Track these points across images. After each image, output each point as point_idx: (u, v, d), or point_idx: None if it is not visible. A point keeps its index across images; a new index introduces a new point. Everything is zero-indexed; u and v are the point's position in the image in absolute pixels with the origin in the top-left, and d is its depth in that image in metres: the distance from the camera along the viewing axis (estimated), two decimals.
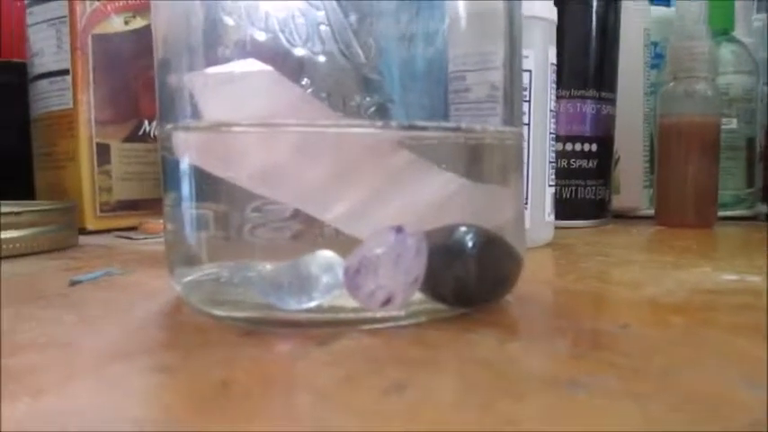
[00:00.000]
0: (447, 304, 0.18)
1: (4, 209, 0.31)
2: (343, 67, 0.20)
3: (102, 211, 0.41)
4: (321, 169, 0.19)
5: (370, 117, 0.20)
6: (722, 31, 0.49)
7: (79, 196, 0.40)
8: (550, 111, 0.32)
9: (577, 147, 0.42)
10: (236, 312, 0.18)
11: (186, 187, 0.18)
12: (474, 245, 0.18)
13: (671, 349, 0.15)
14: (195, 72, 0.19)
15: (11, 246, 0.30)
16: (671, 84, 0.43)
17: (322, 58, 0.20)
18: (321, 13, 0.20)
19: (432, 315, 0.18)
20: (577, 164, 0.42)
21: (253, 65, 0.19)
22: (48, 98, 0.40)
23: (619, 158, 0.48)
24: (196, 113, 0.19)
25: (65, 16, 0.39)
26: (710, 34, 0.42)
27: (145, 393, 0.13)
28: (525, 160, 0.25)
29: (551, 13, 0.32)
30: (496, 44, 0.22)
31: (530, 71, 0.31)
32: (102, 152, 0.40)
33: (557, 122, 0.42)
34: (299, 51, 0.20)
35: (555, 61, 0.33)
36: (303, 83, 0.20)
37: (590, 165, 0.43)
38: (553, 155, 0.33)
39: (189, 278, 0.19)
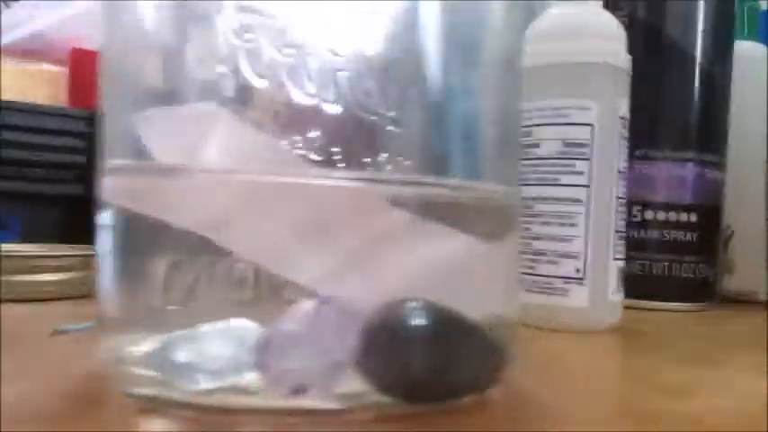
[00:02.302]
0: (391, 397, 0.14)
1: (41, 251, 0.31)
2: (360, 118, 0.18)
3: None
4: (288, 223, 0.17)
5: (388, 173, 0.17)
6: None
7: None
8: (619, 172, 0.28)
9: (672, 216, 0.36)
10: (142, 389, 0.15)
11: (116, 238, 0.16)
12: (420, 326, 0.14)
13: None
14: (147, 112, 0.17)
15: (45, 289, 0.30)
16: None
17: (337, 108, 0.18)
18: (339, 59, 0.18)
19: (385, 410, 0.14)
20: (672, 236, 0.36)
21: (210, 107, 0.18)
22: None
23: (732, 233, 0.41)
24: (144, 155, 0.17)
25: None
26: None
27: None
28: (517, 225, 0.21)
29: (621, 59, 0.28)
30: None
31: (591, 125, 0.27)
32: None
33: (628, 185, 0.36)
34: (310, 100, 0.17)
35: (626, 115, 0.28)
36: (312, 134, 0.17)
37: (688, 237, 0.36)
38: (622, 223, 0.28)
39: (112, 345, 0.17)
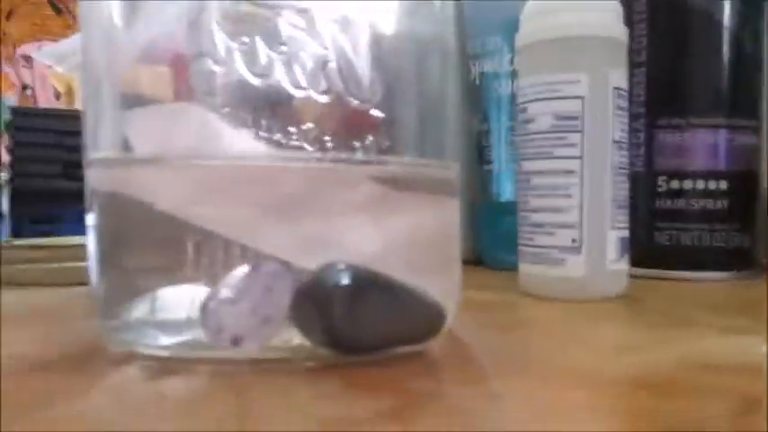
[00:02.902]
0: (325, 348, 0.16)
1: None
2: (346, 105, 0.20)
3: None
4: (252, 201, 0.19)
5: (372, 154, 0.20)
6: None
7: None
8: (615, 142, 0.28)
9: (700, 184, 0.36)
10: (120, 346, 0.18)
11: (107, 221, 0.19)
12: (341, 284, 0.16)
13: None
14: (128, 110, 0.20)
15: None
16: None
17: (326, 99, 0.20)
18: (327, 52, 0.20)
19: (324, 360, 0.17)
20: (701, 204, 0.36)
21: (183, 105, 0.20)
22: None
23: None
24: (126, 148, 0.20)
25: None
26: None
27: None
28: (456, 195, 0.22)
29: (613, 30, 0.28)
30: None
31: (582, 98, 0.27)
32: None
33: (651, 155, 0.36)
34: (302, 93, 0.20)
35: (621, 85, 0.28)
36: (304, 126, 0.20)
37: (718, 206, 0.36)
38: (623, 193, 0.29)
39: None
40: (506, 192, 0.40)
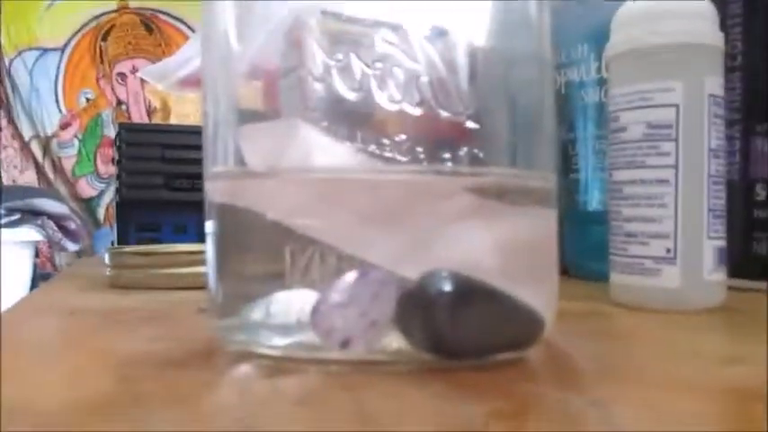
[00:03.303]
0: (424, 351, 0.17)
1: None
2: (439, 118, 0.21)
3: None
4: (356, 211, 0.20)
5: (467, 166, 0.20)
6: None
7: None
8: (710, 150, 0.28)
9: None
10: (235, 346, 0.19)
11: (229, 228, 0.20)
12: (444, 291, 0.17)
13: None
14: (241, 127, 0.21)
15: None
16: None
17: (419, 111, 0.21)
18: (419, 66, 0.21)
19: (426, 365, 0.17)
20: None
21: (291, 121, 0.21)
22: None
23: None
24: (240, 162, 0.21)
25: None
26: None
27: None
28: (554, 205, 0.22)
29: (708, 37, 0.28)
30: None
31: (676, 106, 0.27)
32: None
33: (747, 163, 0.35)
34: (396, 106, 0.21)
35: (717, 92, 0.28)
36: (398, 138, 0.20)
37: None
38: (720, 202, 0.28)
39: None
40: (593, 201, 0.39)
